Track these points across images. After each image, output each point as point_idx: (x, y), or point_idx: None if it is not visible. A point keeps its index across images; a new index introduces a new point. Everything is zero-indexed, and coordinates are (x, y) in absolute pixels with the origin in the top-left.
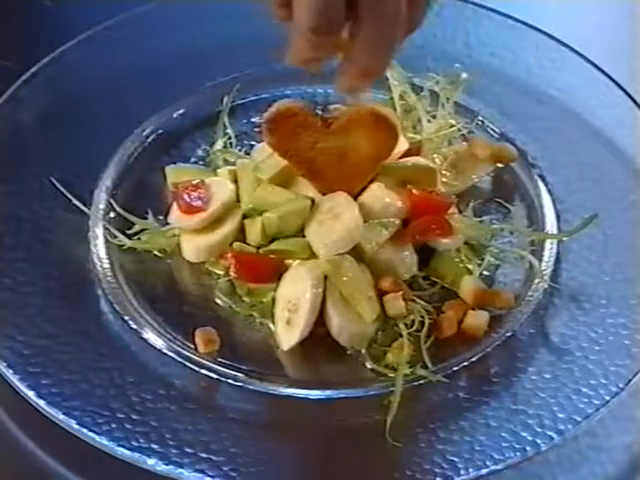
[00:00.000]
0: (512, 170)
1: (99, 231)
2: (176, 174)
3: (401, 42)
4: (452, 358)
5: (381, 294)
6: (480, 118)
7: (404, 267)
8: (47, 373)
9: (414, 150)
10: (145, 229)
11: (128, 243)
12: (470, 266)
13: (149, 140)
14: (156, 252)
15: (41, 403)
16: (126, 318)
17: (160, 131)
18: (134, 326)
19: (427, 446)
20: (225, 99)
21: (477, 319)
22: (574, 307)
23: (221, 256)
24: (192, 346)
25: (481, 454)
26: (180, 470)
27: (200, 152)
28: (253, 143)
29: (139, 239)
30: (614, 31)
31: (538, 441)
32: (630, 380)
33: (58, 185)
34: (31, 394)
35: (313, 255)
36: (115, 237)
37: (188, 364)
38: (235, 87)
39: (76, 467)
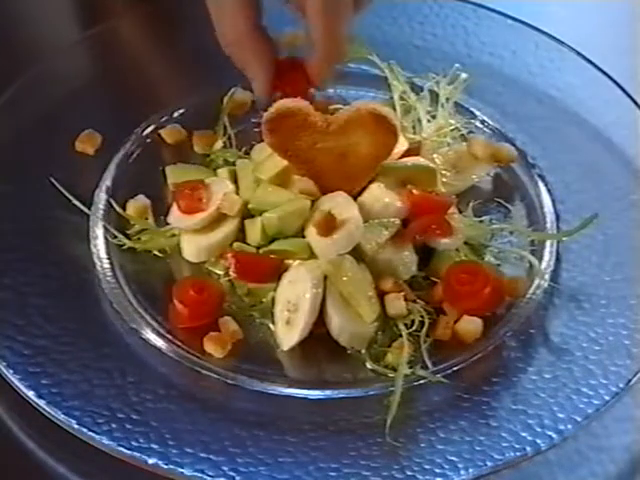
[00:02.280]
0: (512, 170)
1: (99, 231)
2: (176, 174)
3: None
4: (452, 358)
5: (381, 294)
6: (480, 118)
7: (404, 267)
8: (47, 373)
9: (414, 150)
10: (145, 229)
11: (128, 243)
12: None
13: (149, 140)
14: (156, 252)
15: (41, 403)
16: (126, 318)
17: (160, 131)
18: (134, 326)
19: (427, 446)
20: (225, 99)
21: (470, 325)
22: (574, 307)
23: (221, 256)
24: (192, 346)
25: (481, 454)
26: (180, 470)
27: (200, 152)
28: (253, 143)
29: (139, 239)
30: (614, 31)
31: (538, 441)
32: (630, 380)
33: (58, 185)
34: (31, 394)
35: (313, 255)
36: (115, 237)
37: (188, 364)
38: (235, 87)
39: (76, 467)
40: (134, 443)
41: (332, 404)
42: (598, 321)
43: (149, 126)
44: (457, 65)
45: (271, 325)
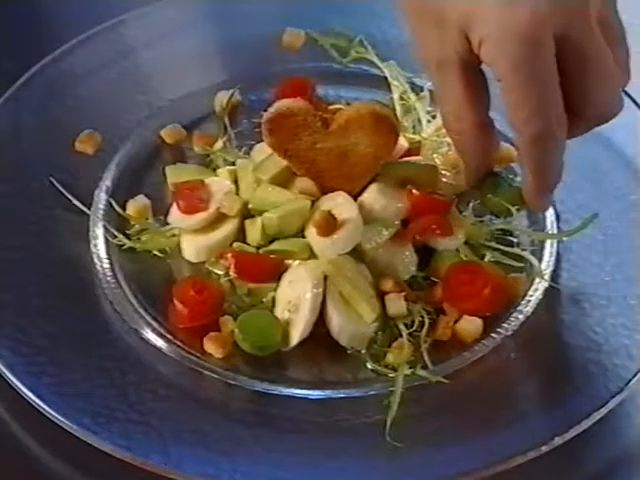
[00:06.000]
0: (512, 170)
1: (99, 231)
2: (176, 174)
3: None
4: (452, 358)
5: (381, 294)
6: None
7: (404, 267)
8: (47, 373)
9: (414, 150)
10: (145, 229)
11: (128, 243)
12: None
13: (149, 140)
14: (156, 252)
15: (41, 403)
16: (126, 318)
17: (160, 131)
18: (134, 326)
19: (427, 446)
20: (225, 99)
21: (470, 325)
22: (574, 307)
23: (221, 256)
24: (192, 346)
25: (481, 454)
26: (180, 470)
27: (200, 152)
28: (253, 143)
29: (139, 239)
30: None
31: (538, 441)
32: (630, 380)
33: (58, 185)
34: (31, 394)
35: (313, 255)
36: (115, 237)
37: (188, 364)
38: (235, 87)
39: (76, 467)
40: (134, 443)
41: (332, 404)
42: (598, 321)
43: (149, 126)
44: None
45: None
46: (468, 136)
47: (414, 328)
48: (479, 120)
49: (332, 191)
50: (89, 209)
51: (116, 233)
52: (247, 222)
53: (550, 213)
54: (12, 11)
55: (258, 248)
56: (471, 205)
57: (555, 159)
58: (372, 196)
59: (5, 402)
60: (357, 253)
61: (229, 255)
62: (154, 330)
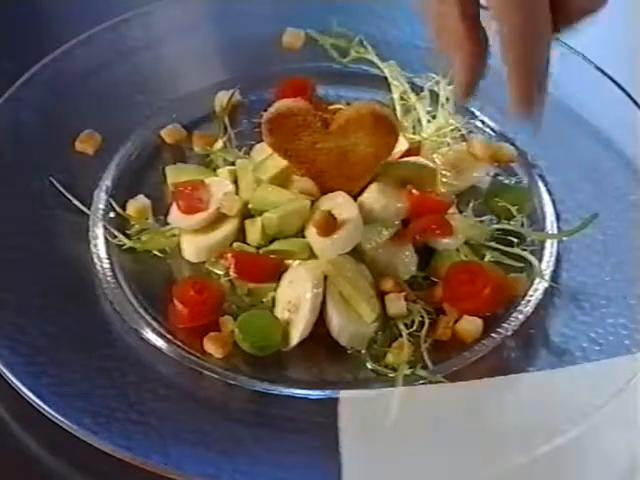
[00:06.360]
0: (512, 170)
1: (99, 231)
2: (176, 174)
3: None
4: (452, 358)
5: (381, 294)
6: (480, 118)
7: (404, 267)
8: (47, 373)
9: (414, 150)
10: (145, 229)
11: (128, 243)
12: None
13: (149, 140)
14: (156, 252)
15: (41, 403)
16: (126, 318)
17: (160, 131)
18: (134, 326)
19: (427, 446)
20: (225, 99)
21: (470, 325)
22: (574, 307)
23: (221, 256)
24: (192, 346)
25: (482, 454)
26: (180, 470)
27: (200, 152)
28: (253, 143)
29: (139, 239)
30: (614, 31)
31: (538, 441)
32: (630, 380)
33: (58, 185)
34: (31, 394)
35: (313, 255)
36: (115, 237)
37: (188, 364)
38: (235, 87)
39: (76, 467)
40: (134, 443)
41: (332, 404)
42: (598, 321)
43: (149, 126)
44: None
45: None
46: (455, 29)
47: (414, 328)
48: (472, 11)
49: (332, 191)
50: (89, 209)
51: (116, 233)
52: (247, 222)
53: (550, 213)
54: (12, 11)
55: (258, 248)
56: (471, 205)
57: (539, 53)
58: (372, 196)
59: (5, 402)
60: (357, 253)
61: (229, 255)
62: (154, 330)
